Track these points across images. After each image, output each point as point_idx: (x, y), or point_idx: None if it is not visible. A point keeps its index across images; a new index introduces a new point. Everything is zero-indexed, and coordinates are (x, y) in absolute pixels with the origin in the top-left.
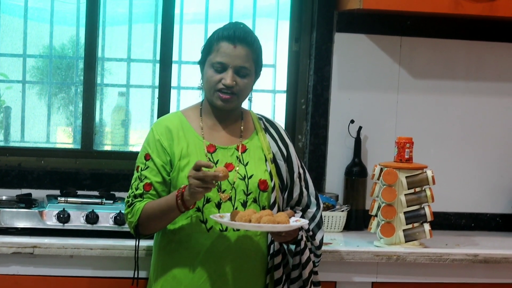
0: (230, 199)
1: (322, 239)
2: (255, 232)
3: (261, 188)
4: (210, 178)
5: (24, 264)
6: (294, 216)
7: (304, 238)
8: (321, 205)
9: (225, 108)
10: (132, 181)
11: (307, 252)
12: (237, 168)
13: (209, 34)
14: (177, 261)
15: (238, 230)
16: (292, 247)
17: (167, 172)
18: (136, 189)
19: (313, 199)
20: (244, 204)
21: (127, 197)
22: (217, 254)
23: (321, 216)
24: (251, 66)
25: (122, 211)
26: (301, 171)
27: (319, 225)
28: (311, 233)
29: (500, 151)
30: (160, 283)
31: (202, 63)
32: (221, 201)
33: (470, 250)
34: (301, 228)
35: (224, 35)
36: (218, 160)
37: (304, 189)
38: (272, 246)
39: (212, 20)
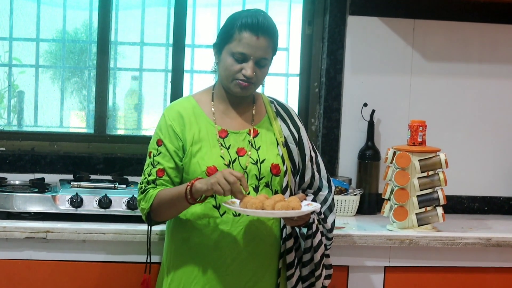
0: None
1: (333, 222)
2: (268, 217)
3: (273, 172)
4: (235, 189)
5: (37, 249)
6: (305, 199)
7: (316, 221)
8: (333, 188)
9: (241, 95)
10: (145, 167)
11: (318, 235)
12: (249, 153)
13: (222, 17)
14: (190, 246)
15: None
16: (304, 230)
17: (179, 157)
18: (149, 175)
19: (324, 182)
20: (256, 189)
21: (140, 183)
22: (230, 239)
23: (332, 199)
24: (270, 56)
25: (135, 196)
26: (313, 154)
27: (330, 208)
28: (322, 216)
29: None
30: (173, 268)
31: (219, 47)
32: None
33: (483, 233)
34: (313, 212)
35: (248, 23)
36: (230, 145)
37: (315, 172)
38: (284, 230)
39: (225, 4)
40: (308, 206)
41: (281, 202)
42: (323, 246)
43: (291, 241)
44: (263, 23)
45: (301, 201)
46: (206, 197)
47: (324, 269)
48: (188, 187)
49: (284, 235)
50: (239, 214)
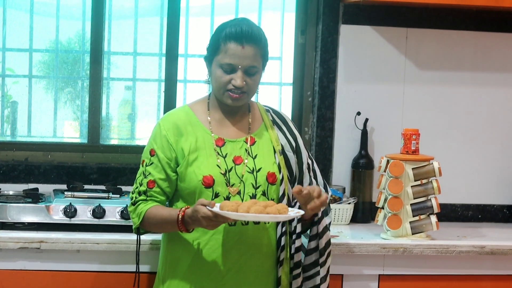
0: (239, 193)
1: (329, 224)
2: (263, 226)
3: (269, 181)
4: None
5: (31, 259)
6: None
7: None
8: (330, 194)
9: (234, 106)
10: (137, 175)
11: (324, 221)
12: (246, 161)
13: (215, 27)
14: (185, 255)
15: (246, 224)
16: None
17: (171, 168)
18: (140, 185)
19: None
20: (253, 197)
21: (132, 193)
22: (225, 249)
23: (329, 203)
24: (259, 63)
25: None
26: (309, 161)
27: (326, 212)
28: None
29: (508, 142)
30: (169, 277)
31: (209, 60)
32: (230, 195)
33: (477, 241)
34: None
35: (232, 33)
36: (227, 154)
37: (313, 180)
38: (281, 239)
39: (218, 13)
40: (293, 213)
41: (256, 206)
42: (328, 233)
43: (300, 241)
44: (247, 31)
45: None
46: None
47: (329, 258)
48: (180, 224)
49: (282, 243)
50: (235, 223)
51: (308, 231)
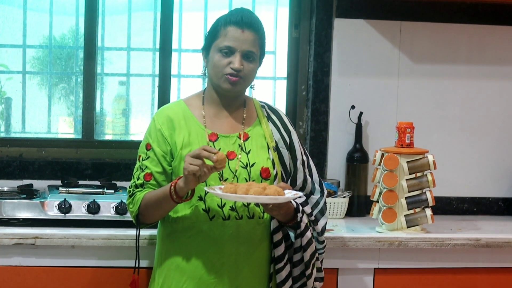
0: None
1: (325, 225)
2: (257, 220)
3: (263, 176)
4: (204, 155)
5: (26, 255)
6: (290, 189)
7: (306, 221)
8: (325, 192)
9: (232, 91)
10: (134, 171)
11: (308, 234)
12: (239, 156)
13: (209, 21)
14: (180, 250)
15: (240, 218)
16: (292, 234)
17: (167, 162)
18: (137, 179)
19: (317, 186)
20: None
21: (129, 187)
22: (220, 242)
23: (324, 203)
24: (257, 51)
25: (124, 201)
26: (305, 158)
27: (322, 212)
28: (313, 218)
29: (502, 134)
30: (164, 272)
31: (206, 49)
32: None
33: (472, 234)
34: (300, 209)
35: (232, 20)
36: (220, 149)
37: (308, 176)
38: (275, 235)
39: (211, 8)
40: (290, 195)
41: (256, 188)
42: (313, 245)
43: (280, 234)
44: (248, 17)
45: (284, 190)
46: (192, 195)
47: (315, 269)
48: (172, 186)
49: (275, 240)
50: (229, 217)
51: (293, 241)
